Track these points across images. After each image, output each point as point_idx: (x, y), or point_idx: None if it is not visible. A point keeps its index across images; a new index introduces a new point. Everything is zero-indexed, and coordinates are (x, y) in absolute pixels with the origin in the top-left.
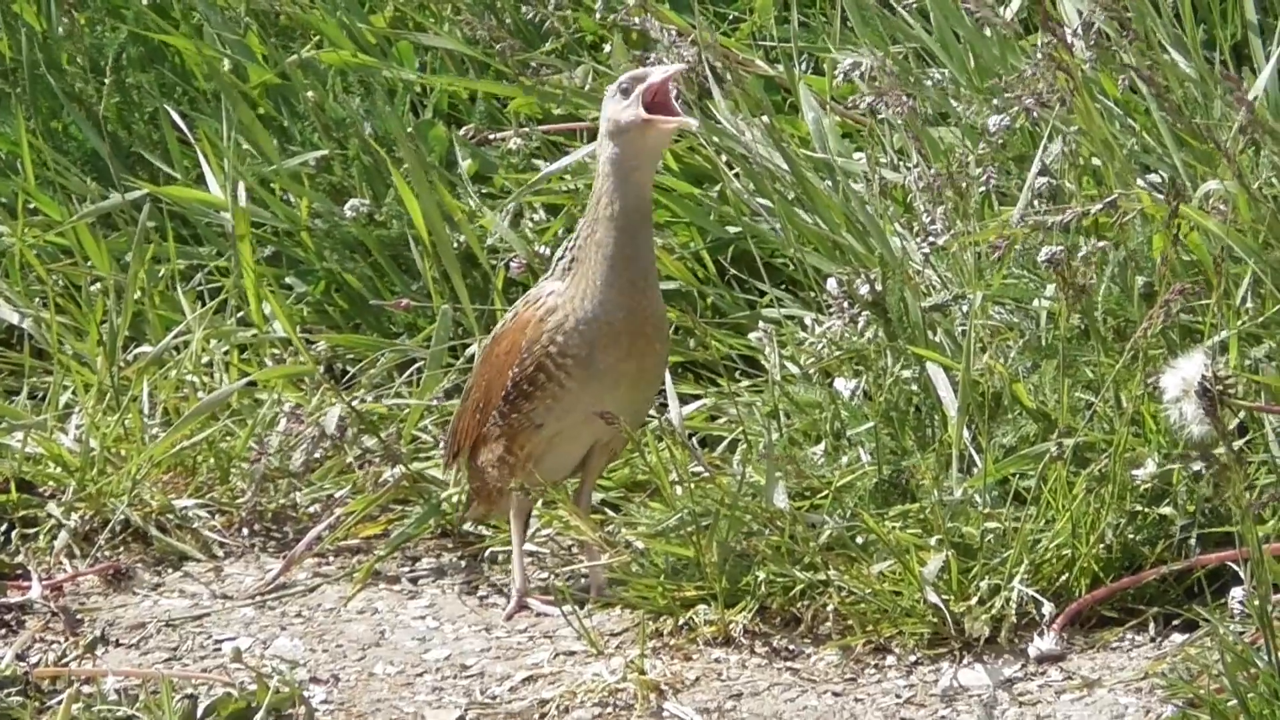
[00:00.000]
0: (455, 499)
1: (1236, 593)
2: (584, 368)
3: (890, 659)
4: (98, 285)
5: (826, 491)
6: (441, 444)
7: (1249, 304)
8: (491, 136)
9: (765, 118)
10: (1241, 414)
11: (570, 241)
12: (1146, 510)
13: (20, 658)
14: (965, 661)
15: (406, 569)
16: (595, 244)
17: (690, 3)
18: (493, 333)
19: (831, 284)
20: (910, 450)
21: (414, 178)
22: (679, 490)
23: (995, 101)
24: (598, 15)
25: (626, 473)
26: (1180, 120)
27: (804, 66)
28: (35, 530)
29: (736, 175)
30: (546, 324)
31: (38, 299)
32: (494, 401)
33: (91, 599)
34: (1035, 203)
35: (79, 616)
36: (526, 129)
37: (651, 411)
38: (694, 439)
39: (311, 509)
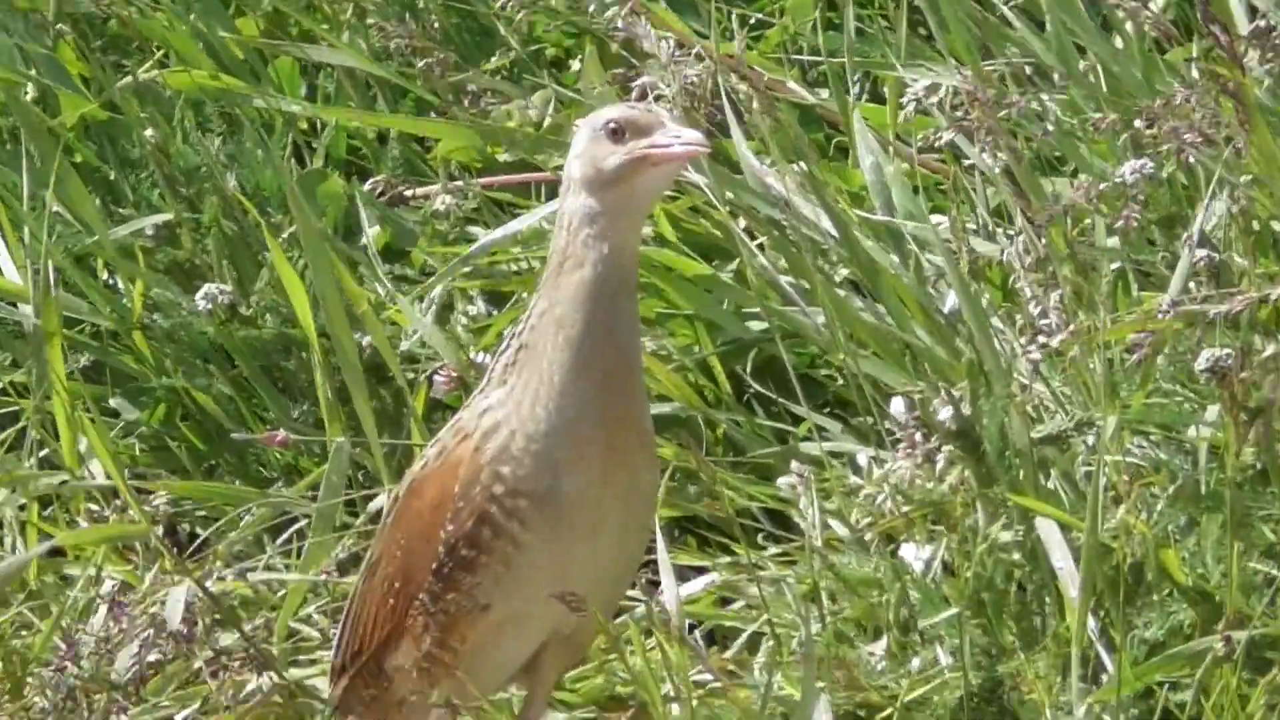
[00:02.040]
0: None
1: None
2: (544, 507)
3: None
4: None
5: (891, 710)
6: (334, 641)
7: None
8: (410, 193)
9: (803, 164)
10: None
11: (517, 327)
12: None
13: None
14: None
15: None
16: (554, 322)
17: (696, 2)
18: (408, 479)
19: (898, 405)
20: (1011, 649)
21: (306, 248)
22: (676, 709)
23: (1139, 124)
24: (592, 21)
25: (600, 683)
26: None
27: (858, 90)
28: None
29: (761, 247)
30: (485, 452)
31: None
32: (419, 578)
33: None
34: (1192, 285)
35: None
36: (460, 182)
37: (634, 592)
38: (697, 633)
39: None
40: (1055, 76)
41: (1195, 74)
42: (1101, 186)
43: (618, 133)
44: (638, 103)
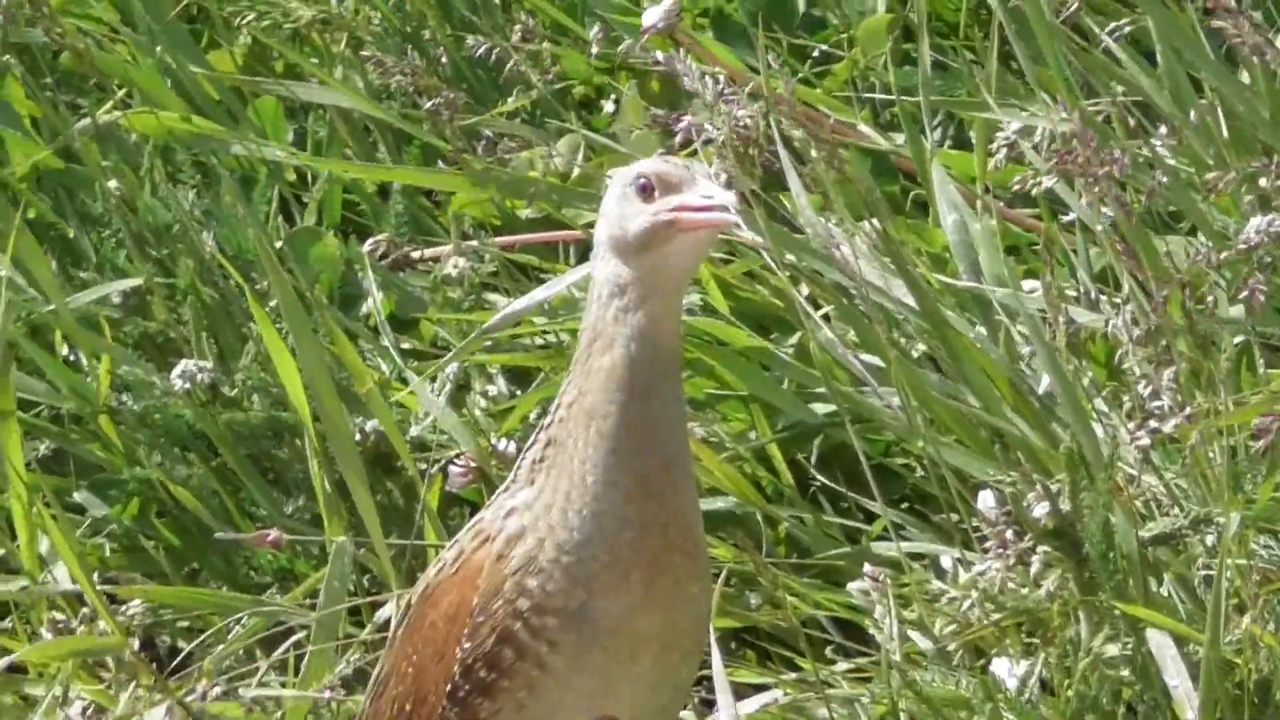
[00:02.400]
0: None
1: None
2: (575, 628)
3: None
4: None
5: None
6: None
7: None
8: (417, 254)
9: (875, 221)
10: None
11: (546, 418)
12: None
13: None
14: None
15: None
16: (584, 413)
17: (749, 31)
18: (421, 586)
19: (986, 500)
20: None
21: (288, 323)
22: None
23: (1264, 183)
24: (594, 50)
25: None
26: None
27: (939, 134)
28: None
29: (826, 318)
30: (509, 561)
31: None
32: (431, 700)
33: None
34: None
35: None
36: (475, 243)
37: (686, 713)
38: None
39: None
40: (1170, 117)
41: None
42: (1224, 255)
43: (647, 189)
44: (674, 157)
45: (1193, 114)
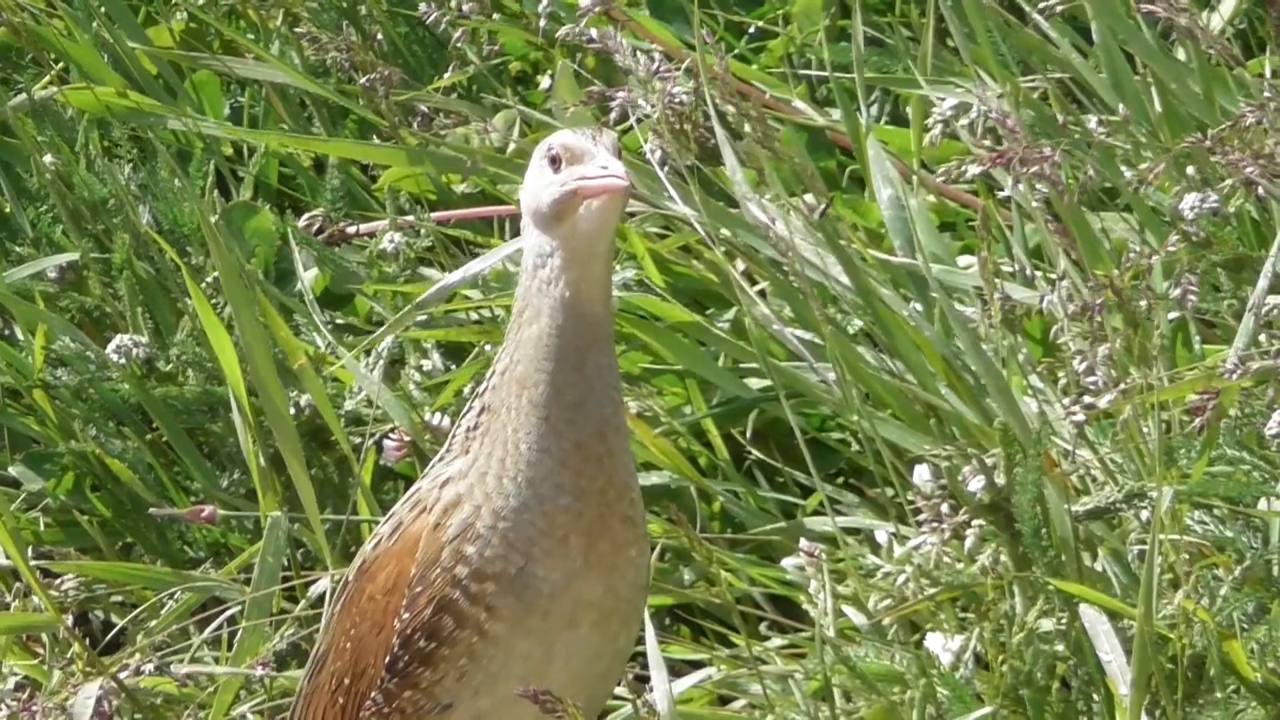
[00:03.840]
0: None
1: None
2: (514, 592)
3: None
4: None
5: None
6: None
7: None
8: (352, 229)
9: (810, 197)
10: None
11: (480, 386)
12: None
13: None
14: None
15: None
16: (516, 381)
17: (685, 7)
18: (358, 562)
19: (921, 474)
20: None
21: (228, 297)
22: None
23: (1191, 172)
24: (541, 25)
25: None
26: None
27: (876, 110)
28: None
29: (762, 294)
30: (446, 529)
31: None
32: (370, 673)
33: None
34: (1262, 338)
35: None
36: (410, 217)
37: (620, 689)
38: None
39: None
40: (1103, 95)
41: (1266, 93)
42: (1153, 257)
43: (556, 160)
44: (583, 128)
45: (1136, 78)
